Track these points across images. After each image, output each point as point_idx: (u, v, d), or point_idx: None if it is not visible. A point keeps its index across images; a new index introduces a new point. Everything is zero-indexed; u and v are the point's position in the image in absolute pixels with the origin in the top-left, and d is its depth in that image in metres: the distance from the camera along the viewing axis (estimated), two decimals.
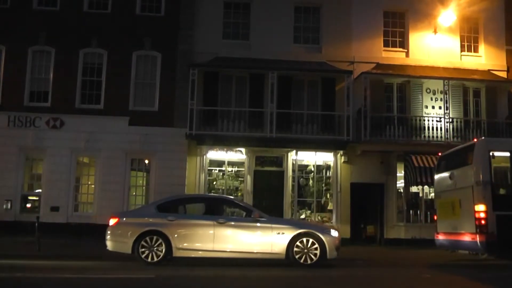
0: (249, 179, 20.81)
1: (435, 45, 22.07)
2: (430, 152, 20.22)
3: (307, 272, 11.23)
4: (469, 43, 22.68)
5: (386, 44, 22.18)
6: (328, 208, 21.05)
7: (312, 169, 21.26)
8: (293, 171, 20.91)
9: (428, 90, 21.55)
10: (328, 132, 20.86)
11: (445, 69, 21.80)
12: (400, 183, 21.04)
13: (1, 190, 19.64)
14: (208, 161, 20.82)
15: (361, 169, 21.10)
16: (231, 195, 20.81)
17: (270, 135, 20.24)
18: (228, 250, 12.40)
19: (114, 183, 20.14)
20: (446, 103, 21.07)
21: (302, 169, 21.25)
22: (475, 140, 13.40)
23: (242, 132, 20.56)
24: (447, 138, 20.77)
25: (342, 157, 20.95)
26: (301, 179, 21.17)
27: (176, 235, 12.33)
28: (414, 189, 21.01)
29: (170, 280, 10.32)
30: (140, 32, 21.07)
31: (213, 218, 12.54)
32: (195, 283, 10.01)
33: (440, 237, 14.21)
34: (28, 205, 20.35)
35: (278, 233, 12.31)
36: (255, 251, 12.38)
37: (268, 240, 12.32)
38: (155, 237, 12.28)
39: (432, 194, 21.51)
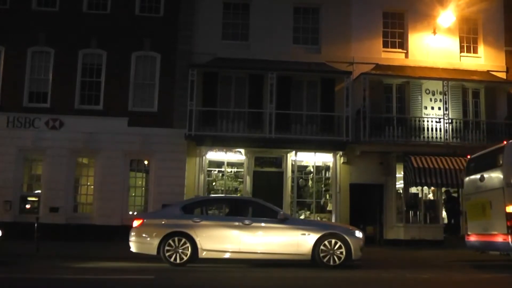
0: (248, 179, 20.81)
1: (434, 45, 22.08)
2: (430, 152, 20.31)
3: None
4: (468, 44, 22.70)
5: (385, 44, 22.19)
6: (328, 208, 21.06)
7: (312, 170, 21.27)
8: (293, 171, 20.91)
9: (427, 91, 21.56)
10: (328, 132, 20.87)
11: (444, 70, 21.82)
12: (400, 184, 21.04)
13: (0, 191, 19.61)
14: (207, 161, 20.81)
15: (360, 169, 21.11)
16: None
17: (270, 136, 20.24)
18: (254, 252, 12.40)
19: (114, 184, 20.14)
20: (446, 103, 21.08)
21: (301, 169, 21.26)
22: (505, 142, 13.38)
23: (242, 132, 20.56)
24: (446, 138, 20.79)
25: (342, 158, 20.95)
26: (301, 179, 21.17)
27: (202, 237, 12.31)
28: (413, 189, 21.01)
29: (170, 280, 10.32)
30: (139, 32, 21.07)
31: (239, 219, 12.55)
32: (195, 283, 10.01)
33: (472, 239, 14.07)
34: (28, 206, 20.35)
35: (304, 234, 12.32)
36: (281, 252, 12.37)
37: (294, 241, 12.31)
38: (181, 239, 12.27)
39: (431, 195, 21.59)
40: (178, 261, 12.21)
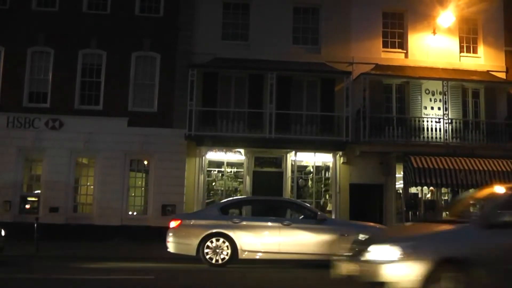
0: (248, 180, 20.80)
1: (434, 46, 22.08)
2: (429, 153, 20.30)
3: None
4: (468, 44, 22.68)
5: (385, 45, 22.17)
6: (327, 209, 21.03)
7: (311, 170, 21.26)
8: (292, 172, 20.90)
9: (427, 91, 21.56)
10: (327, 133, 20.86)
11: (444, 70, 21.80)
12: (399, 184, 21.03)
13: (0, 191, 19.61)
14: (207, 162, 20.80)
15: (360, 170, 21.10)
16: (231, 196, 20.83)
17: (269, 136, 20.23)
18: (293, 252, 12.44)
19: (113, 184, 20.13)
20: (445, 104, 21.07)
21: (301, 170, 21.25)
22: None
23: (241, 133, 20.55)
24: (446, 139, 20.78)
25: (341, 158, 20.94)
26: (300, 180, 21.16)
27: (241, 237, 12.35)
28: (413, 190, 21.01)
29: (170, 281, 10.32)
30: (139, 32, 21.06)
31: (279, 220, 12.63)
32: (196, 282, 10.00)
33: None
34: (27, 206, 20.34)
35: (342, 235, 12.38)
36: (320, 253, 12.36)
37: (332, 241, 12.36)
38: (220, 239, 12.31)
39: (429, 195, 21.58)
40: (219, 262, 12.27)
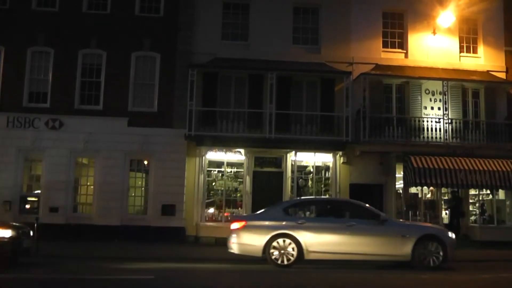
0: (248, 180, 20.80)
1: (434, 46, 22.08)
2: (429, 153, 20.31)
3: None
4: (468, 44, 22.69)
5: (385, 45, 22.17)
6: None
7: (311, 170, 21.26)
8: (292, 172, 20.90)
9: (427, 91, 21.56)
10: (327, 133, 20.86)
11: (444, 70, 21.81)
12: (399, 184, 21.04)
13: (0, 191, 19.60)
14: (207, 162, 20.80)
15: (360, 170, 21.10)
16: (230, 196, 20.86)
17: (269, 136, 20.23)
18: (357, 253, 12.47)
19: (113, 184, 20.13)
20: (445, 104, 21.07)
21: (301, 170, 21.25)
22: None
23: (241, 133, 20.56)
24: (446, 139, 20.79)
25: (341, 158, 20.95)
26: (300, 180, 21.16)
27: (307, 238, 12.37)
28: (413, 190, 21.03)
29: (170, 281, 10.31)
30: (139, 32, 21.07)
31: (343, 221, 12.71)
32: (196, 282, 10.00)
33: None
34: (27, 206, 20.34)
35: (403, 236, 12.47)
36: (382, 254, 12.50)
37: (395, 243, 12.46)
38: (286, 240, 12.33)
39: (429, 195, 21.60)
40: (285, 262, 12.29)
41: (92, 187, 20.57)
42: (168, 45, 21.12)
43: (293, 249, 12.28)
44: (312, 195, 20.92)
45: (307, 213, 13.57)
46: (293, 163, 20.96)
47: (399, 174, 20.89)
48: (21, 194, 20.30)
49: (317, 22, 22.11)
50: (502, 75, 22.23)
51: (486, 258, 15.81)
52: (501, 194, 21.64)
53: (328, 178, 21.28)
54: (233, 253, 12.94)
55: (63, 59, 20.73)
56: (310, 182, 21.24)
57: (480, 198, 21.83)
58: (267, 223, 12.69)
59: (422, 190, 21.12)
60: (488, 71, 22.24)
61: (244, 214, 14.73)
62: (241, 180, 21.01)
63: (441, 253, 12.37)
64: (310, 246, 12.34)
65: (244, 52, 21.32)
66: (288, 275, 11.16)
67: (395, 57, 22.08)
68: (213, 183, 21.09)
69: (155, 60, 21.17)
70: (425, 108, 21.46)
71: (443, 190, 21.22)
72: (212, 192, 20.97)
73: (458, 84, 21.71)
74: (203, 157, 20.64)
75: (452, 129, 21.02)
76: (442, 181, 19.71)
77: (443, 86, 21.15)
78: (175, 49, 21.15)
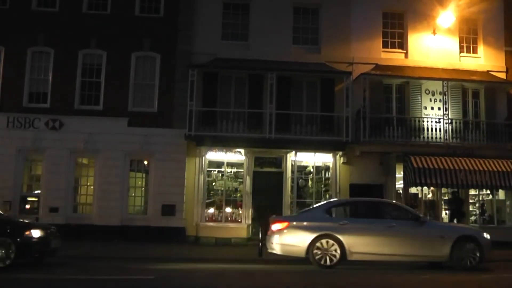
0: (248, 180, 20.80)
1: (434, 46, 22.08)
2: (429, 153, 20.30)
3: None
4: (468, 44, 22.69)
5: (385, 45, 22.17)
6: None
7: (311, 170, 21.25)
8: (292, 172, 20.89)
9: (427, 91, 21.56)
10: (327, 133, 20.86)
11: (444, 70, 21.81)
12: (399, 184, 21.03)
13: (0, 191, 19.60)
14: (207, 162, 20.80)
15: (360, 170, 21.10)
16: (230, 196, 20.86)
17: (269, 136, 20.23)
18: (397, 254, 12.59)
19: (113, 184, 20.13)
20: (445, 104, 21.07)
21: (301, 170, 21.24)
22: None
23: (241, 133, 20.55)
24: (446, 139, 20.78)
25: (341, 158, 20.94)
26: (300, 180, 21.16)
27: (349, 239, 12.46)
28: (413, 190, 21.02)
29: (169, 281, 10.31)
30: (139, 33, 21.07)
31: (384, 222, 12.80)
32: (196, 282, 10.00)
33: None
34: (27, 206, 20.34)
35: (442, 237, 12.65)
36: (421, 255, 12.68)
37: (433, 243, 12.66)
38: (329, 241, 12.41)
39: (430, 195, 21.60)
40: (328, 263, 12.37)
41: (92, 187, 20.57)
42: (168, 45, 21.12)
43: (336, 250, 12.41)
44: (312, 196, 20.93)
45: (348, 214, 13.60)
46: (293, 163, 20.95)
47: (399, 174, 20.89)
48: (21, 194, 20.31)
49: (317, 22, 22.11)
50: (502, 75, 22.23)
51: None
52: (501, 194, 21.64)
53: (328, 178, 21.27)
54: (273, 254, 13.10)
55: (63, 59, 20.73)
56: (310, 182, 21.23)
57: (480, 198, 21.84)
58: (309, 224, 12.80)
59: (422, 190, 21.11)
60: (488, 71, 22.24)
61: (287, 215, 14.82)
62: (241, 180, 21.01)
63: (477, 254, 12.59)
64: (353, 247, 12.46)
65: (244, 52, 21.33)
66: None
67: (395, 57, 22.08)
68: (213, 183, 21.08)
69: (155, 60, 21.17)
70: (425, 108, 21.46)
71: (443, 190, 21.21)
72: (212, 192, 20.96)
73: (458, 84, 21.71)
74: (203, 157, 20.64)
75: (452, 129, 21.01)
76: (442, 181, 19.71)
77: (443, 86, 21.14)
78: (175, 49, 21.15)
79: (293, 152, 20.80)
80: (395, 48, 22.27)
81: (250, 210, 20.59)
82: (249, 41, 21.64)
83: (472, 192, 21.66)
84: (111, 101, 20.69)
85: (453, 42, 22.34)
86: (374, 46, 21.93)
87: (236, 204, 20.86)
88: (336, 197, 20.68)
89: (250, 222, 20.44)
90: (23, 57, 20.65)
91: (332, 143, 20.66)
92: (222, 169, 20.99)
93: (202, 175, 20.62)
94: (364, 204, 14.28)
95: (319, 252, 12.38)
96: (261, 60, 21.04)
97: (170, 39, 21.16)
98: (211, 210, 20.71)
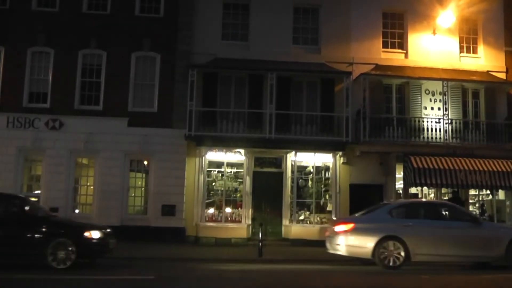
0: (248, 180, 20.80)
1: (434, 46, 22.08)
2: (429, 153, 20.30)
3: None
4: (468, 44, 22.69)
5: (385, 45, 22.17)
6: (327, 209, 21.04)
7: (311, 170, 21.25)
8: (292, 172, 20.89)
9: (427, 91, 21.56)
10: (327, 133, 20.86)
11: (444, 70, 21.81)
12: (399, 184, 21.03)
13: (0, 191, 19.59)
14: (207, 162, 20.80)
15: (360, 170, 21.10)
16: (230, 196, 20.86)
17: (269, 136, 20.22)
18: (457, 255, 12.91)
19: (113, 184, 20.13)
20: (445, 104, 21.07)
21: (301, 170, 21.23)
22: None
23: (241, 133, 20.55)
24: (446, 139, 20.78)
25: (341, 158, 20.93)
26: (300, 180, 21.15)
27: (413, 240, 12.71)
28: (413, 190, 21.01)
29: (170, 281, 10.31)
30: (139, 33, 21.06)
31: (445, 224, 13.21)
32: (196, 283, 9.99)
33: None
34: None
35: (497, 237, 13.05)
36: (478, 255, 13.06)
37: (490, 244, 12.99)
38: (394, 242, 12.64)
39: (432, 195, 21.59)
40: (392, 264, 12.57)
41: (92, 187, 20.57)
42: (168, 45, 21.12)
43: (400, 251, 12.62)
44: (312, 196, 20.93)
45: (408, 215, 13.70)
46: (293, 163, 20.95)
47: (399, 174, 20.89)
48: (21, 194, 20.27)
49: (317, 22, 22.11)
50: (502, 76, 22.23)
51: None
52: (501, 194, 21.64)
53: (328, 178, 21.27)
54: (335, 253, 13.39)
55: (63, 59, 20.72)
56: (310, 183, 21.23)
57: (480, 199, 21.84)
58: (374, 225, 13.05)
59: (422, 190, 21.11)
60: (488, 71, 22.24)
61: (350, 216, 15.01)
62: (241, 180, 21.01)
63: None
64: (416, 248, 12.69)
65: (244, 52, 21.32)
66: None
67: (395, 57, 22.07)
68: (213, 183, 21.08)
69: (155, 60, 21.17)
70: (425, 108, 21.46)
71: (443, 190, 21.22)
72: (212, 192, 20.96)
73: (458, 85, 21.71)
74: (203, 157, 20.64)
75: (452, 129, 21.01)
76: (442, 181, 19.71)
77: (443, 86, 21.14)
78: (175, 49, 21.15)
79: (293, 152, 20.80)
80: (395, 48, 22.27)
81: (250, 210, 20.60)
82: (249, 41, 21.64)
83: (472, 192, 21.68)
84: (111, 101, 20.68)
85: (453, 42, 22.34)
86: (374, 46, 21.93)
87: (236, 204, 20.87)
88: (336, 198, 20.75)
89: (250, 222, 20.44)
90: (23, 57, 20.64)
91: (332, 143, 20.66)
92: (222, 169, 20.99)
93: (202, 175, 20.62)
94: (424, 206, 14.57)
95: (385, 254, 12.66)
96: (261, 60, 21.04)
97: (170, 39, 21.16)
98: (211, 210, 20.71)
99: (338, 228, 13.28)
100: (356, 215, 14.56)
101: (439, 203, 16.58)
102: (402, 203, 14.66)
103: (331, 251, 13.62)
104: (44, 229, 11.91)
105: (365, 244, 12.75)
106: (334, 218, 14.15)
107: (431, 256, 12.89)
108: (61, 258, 11.59)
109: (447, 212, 13.89)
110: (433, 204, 15.11)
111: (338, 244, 13.14)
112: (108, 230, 12.94)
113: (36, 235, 11.80)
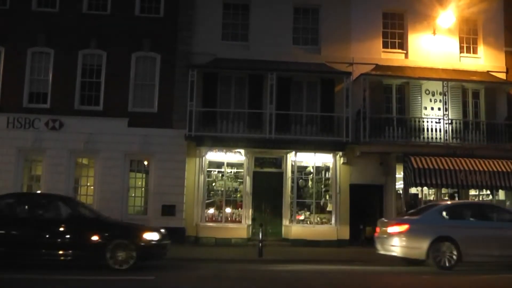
0: (248, 180, 20.80)
1: (434, 46, 22.08)
2: (429, 153, 20.30)
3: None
4: (468, 45, 22.68)
5: (385, 45, 22.16)
6: (327, 209, 21.05)
7: (311, 170, 21.25)
8: (292, 172, 20.89)
9: (427, 91, 21.56)
10: (327, 133, 20.86)
11: (444, 70, 21.80)
12: (399, 184, 21.03)
13: (0, 191, 19.56)
14: (207, 162, 20.80)
15: (360, 170, 21.10)
16: (230, 196, 20.86)
17: (269, 136, 20.22)
18: (506, 255, 13.06)
19: (113, 184, 20.13)
20: (445, 104, 21.07)
21: (301, 170, 21.23)
22: None
23: (241, 133, 20.55)
24: (446, 139, 20.78)
25: (341, 158, 20.93)
26: (300, 180, 21.15)
27: (465, 241, 12.84)
28: (413, 190, 21.01)
29: (170, 281, 10.31)
30: (139, 33, 21.05)
31: (495, 225, 13.39)
32: (197, 283, 9.99)
33: None
34: None
35: None
36: None
37: None
38: (447, 243, 12.80)
39: (433, 196, 21.58)
40: (446, 264, 12.73)
41: (92, 187, 20.56)
42: (168, 46, 21.12)
43: (453, 252, 12.77)
44: (312, 196, 20.93)
45: (459, 216, 13.88)
46: (293, 164, 20.95)
47: (399, 175, 20.89)
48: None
49: (317, 22, 22.10)
50: (502, 76, 22.23)
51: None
52: (501, 194, 21.63)
53: (328, 179, 21.27)
54: (387, 254, 13.60)
55: (63, 59, 20.71)
56: (310, 183, 21.23)
57: (480, 199, 21.82)
58: (428, 226, 13.19)
59: (422, 190, 21.11)
60: (488, 71, 22.24)
61: (404, 218, 15.15)
62: (241, 180, 21.01)
63: None
64: (468, 249, 12.81)
65: (244, 52, 21.32)
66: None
67: (395, 57, 22.07)
68: (213, 184, 21.08)
69: (155, 61, 21.16)
70: (425, 108, 21.46)
71: (443, 190, 21.22)
72: (212, 192, 20.96)
73: (458, 85, 21.70)
74: (203, 158, 20.64)
75: (452, 129, 21.01)
76: (442, 181, 19.71)
77: (443, 86, 21.14)
78: (175, 50, 21.14)
79: (293, 152, 20.79)
80: (395, 48, 22.27)
81: (250, 210, 20.59)
82: (249, 41, 21.63)
83: (472, 192, 21.66)
84: (111, 101, 20.68)
85: (453, 43, 22.34)
86: (374, 46, 21.93)
87: (236, 205, 20.87)
88: (336, 198, 20.75)
89: (250, 222, 20.44)
90: (23, 57, 20.64)
91: (332, 144, 20.66)
92: (222, 170, 20.99)
93: (202, 176, 20.62)
94: (471, 207, 14.69)
95: (439, 254, 12.79)
96: (261, 60, 21.04)
97: (170, 39, 21.15)
98: (211, 211, 20.72)
99: (392, 229, 13.45)
100: (406, 216, 14.61)
101: (486, 204, 16.86)
102: (451, 204, 14.84)
103: (382, 252, 13.85)
104: (102, 230, 11.90)
105: (420, 245, 12.92)
106: (384, 220, 14.42)
107: (482, 256, 13.06)
108: (121, 259, 11.58)
109: (494, 213, 14.08)
110: (480, 205, 15.34)
111: (393, 245, 13.30)
112: (163, 230, 12.82)
113: (94, 237, 11.75)
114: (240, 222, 20.52)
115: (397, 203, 21.17)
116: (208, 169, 20.87)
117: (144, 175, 21.13)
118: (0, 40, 20.61)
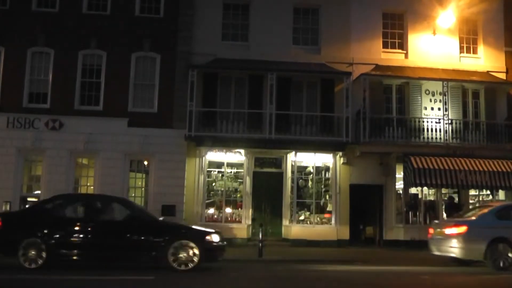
0: (248, 180, 20.80)
1: (434, 46, 22.08)
2: (429, 153, 20.30)
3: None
4: (468, 45, 22.68)
5: (385, 45, 22.17)
6: (327, 209, 21.05)
7: (311, 171, 21.25)
8: (292, 172, 20.89)
9: (427, 92, 21.56)
10: (327, 133, 20.86)
11: (444, 70, 21.80)
12: (399, 185, 21.04)
13: (0, 192, 19.59)
14: (207, 162, 20.80)
15: (360, 170, 21.10)
16: (230, 196, 20.87)
17: (269, 137, 20.23)
18: None
19: (113, 184, 20.07)
20: (445, 104, 21.07)
21: (301, 170, 21.23)
22: None
23: (241, 133, 20.55)
24: (446, 139, 20.78)
25: (341, 159, 20.94)
26: (300, 180, 21.15)
27: None
28: (413, 190, 21.02)
29: (170, 281, 10.31)
30: (139, 33, 21.05)
31: None
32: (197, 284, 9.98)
33: None
34: (27, 207, 20.30)
35: None
36: None
37: None
38: (504, 244, 12.98)
39: (432, 196, 21.58)
40: (502, 265, 12.88)
41: (92, 187, 20.54)
42: (168, 46, 21.11)
43: (509, 253, 12.93)
44: (312, 196, 20.93)
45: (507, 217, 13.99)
46: (293, 164, 20.95)
47: (399, 175, 20.90)
48: (21, 194, 20.27)
49: (317, 22, 22.10)
50: (502, 76, 22.23)
51: None
52: (501, 194, 21.64)
53: (328, 179, 21.27)
54: (443, 255, 13.84)
55: (63, 59, 20.71)
56: (310, 183, 21.23)
57: (480, 199, 21.82)
58: (485, 228, 13.32)
59: (422, 190, 21.11)
60: (488, 71, 22.24)
61: (460, 219, 15.20)
62: (241, 180, 21.01)
63: None
64: None
65: (244, 52, 21.32)
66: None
67: (395, 57, 22.08)
68: (213, 184, 21.09)
69: (155, 61, 21.16)
70: (425, 108, 21.46)
71: (443, 190, 21.22)
72: (212, 192, 20.96)
73: (458, 85, 21.71)
74: (203, 158, 20.64)
75: (452, 129, 21.01)
76: (442, 181, 19.72)
77: (443, 86, 21.15)
78: (175, 50, 21.14)
79: (293, 152, 20.79)
80: (395, 48, 22.27)
81: (250, 210, 20.60)
82: (249, 41, 21.64)
83: (472, 192, 21.67)
84: (111, 102, 20.68)
85: (453, 43, 22.34)
86: (374, 46, 21.93)
87: (236, 205, 20.88)
88: (336, 198, 20.75)
89: (250, 222, 20.44)
90: (23, 57, 20.63)
91: (332, 144, 20.66)
92: (222, 170, 20.99)
93: (202, 176, 20.63)
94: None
95: (496, 255, 12.91)
96: (261, 61, 21.03)
97: (170, 40, 21.15)
98: (211, 211, 20.73)
99: (450, 230, 13.56)
100: (461, 218, 14.63)
101: None
102: (505, 205, 14.93)
103: (437, 253, 14.06)
104: (163, 231, 11.99)
105: (478, 246, 13.04)
106: (437, 222, 14.68)
107: None
108: (183, 260, 11.62)
109: None
110: None
111: (451, 247, 13.40)
112: (221, 233, 12.88)
113: (156, 238, 11.80)
114: (240, 222, 20.53)
115: (397, 203, 21.19)
116: (208, 169, 20.87)
117: (144, 175, 21.13)
118: (0, 40, 20.61)
